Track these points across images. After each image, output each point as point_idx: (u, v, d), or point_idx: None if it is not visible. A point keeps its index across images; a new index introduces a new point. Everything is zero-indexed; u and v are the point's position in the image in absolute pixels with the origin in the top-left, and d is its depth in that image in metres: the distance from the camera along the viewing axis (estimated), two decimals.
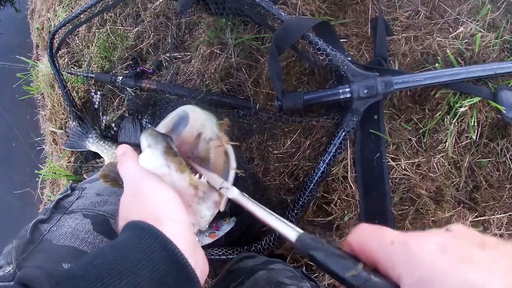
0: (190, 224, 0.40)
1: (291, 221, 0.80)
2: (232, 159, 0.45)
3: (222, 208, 0.45)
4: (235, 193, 0.42)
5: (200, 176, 0.43)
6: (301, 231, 0.34)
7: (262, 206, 0.38)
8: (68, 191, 0.67)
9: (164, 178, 0.41)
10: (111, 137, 1.10)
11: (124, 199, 0.41)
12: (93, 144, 1.03)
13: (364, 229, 0.30)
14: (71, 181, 0.78)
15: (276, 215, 0.37)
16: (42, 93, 1.52)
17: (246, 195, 0.41)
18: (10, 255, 0.52)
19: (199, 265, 0.37)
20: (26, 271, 0.30)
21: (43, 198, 1.47)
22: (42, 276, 0.29)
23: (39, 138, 1.62)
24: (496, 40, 0.82)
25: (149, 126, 0.97)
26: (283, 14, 0.75)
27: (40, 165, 1.46)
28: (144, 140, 0.43)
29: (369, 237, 0.29)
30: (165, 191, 0.40)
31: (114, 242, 0.35)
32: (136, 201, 0.39)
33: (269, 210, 0.38)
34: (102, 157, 1.03)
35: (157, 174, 0.41)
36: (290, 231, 0.34)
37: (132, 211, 0.38)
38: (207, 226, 0.46)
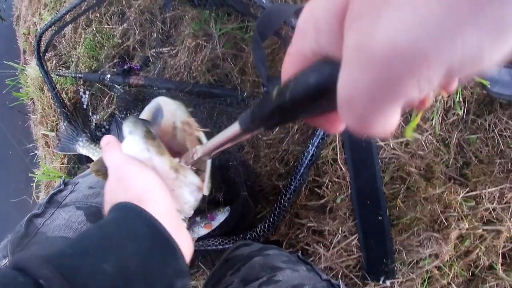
0: (172, 205, 0.41)
1: (284, 206, 0.81)
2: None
3: (206, 192, 0.45)
4: (200, 149, 0.41)
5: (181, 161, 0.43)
6: None
7: (217, 134, 0.36)
8: (61, 186, 0.68)
9: (147, 164, 0.42)
10: (102, 137, 1.10)
11: (108, 185, 0.42)
12: (84, 148, 1.03)
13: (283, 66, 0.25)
14: (63, 177, 0.79)
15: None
16: (32, 98, 1.52)
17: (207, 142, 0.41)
18: (6, 249, 0.54)
19: (184, 245, 0.38)
20: (18, 256, 0.31)
21: (38, 202, 1.47)
22: (32, 256, 0.30)
23: (32, 144, 1.62)
24: None
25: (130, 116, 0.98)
26: (265, 1, 0.75)
27: (34, 170, 1.45)
28: (125, 127, 0.44)
29: (285, 65, 0.25)
30: (147, 174, 0.41)
31: (100, 223, 0.36)
32: (120, 186, 0.41)
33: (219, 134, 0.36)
34: (94, 161, 1.03)
35: (139, 160, 0.42)
36: (235, 125, 0.31)
37: (116, 196, 0.39)
38: (192, 212, 0.46)
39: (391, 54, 0.15)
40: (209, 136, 0.45)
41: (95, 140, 1.03)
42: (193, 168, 0.44)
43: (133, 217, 0.35)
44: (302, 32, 0.21)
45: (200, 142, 0.45)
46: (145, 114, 0.48)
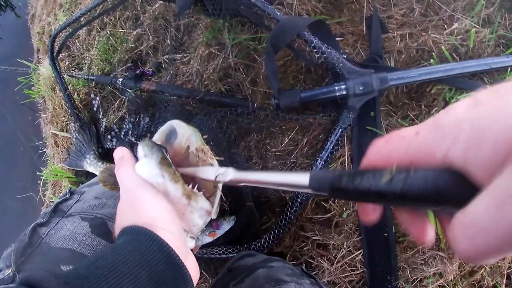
0: (181, 233, 0.42)
1: (289, 218, 0.81)
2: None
3: (214, 216, 0.46)
4: (231, 174, 0.39)
5: (193, 187, 0.44)
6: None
7: (263, 171, 0.35)
8: (67, 195, 0.68)
9: (159, 188, 0.42)
10: (109, 143, 1.11)
11: (120, 207, 0.43)
12: (91, 165, 1.03)
13: (378, 143, 0.25)
14: (70, 186, 0.79)
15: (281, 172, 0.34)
16: (43, 97, 1.54)
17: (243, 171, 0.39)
18: (9, 258, 0.53)
19: (191, 271, 0.38)
20: (31, 272, 0.31)
21: (45, 200, 1.49)
22: (49, 276, 0.30)
23: (40, 142, 1.64)
24: (491, 35, 0.82)
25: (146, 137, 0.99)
26: (279, 14, 0.76)
27: (42, 168, 1.47)
28: (141, 150, 0.45)
29: (388, 145, 0.24)
30: (159, 201, 0.41)
31: (114, 245, 0.37)
32: (131, 210, 0.41)
33: (271, 172, 0.34)
34: None
35: (152, 183, 0.43)
36: (301, 177, 0.29)
37: (127, 219, 0.40)
38: (199, 233, 0.47)
39: None
40: (221, 164, 0.45)
41: (103, 157, 1.03)
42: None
43: (146, 241, 0.36)
44: (445, 132, 0.20)
45: None
46: (159, 135, 0.48)
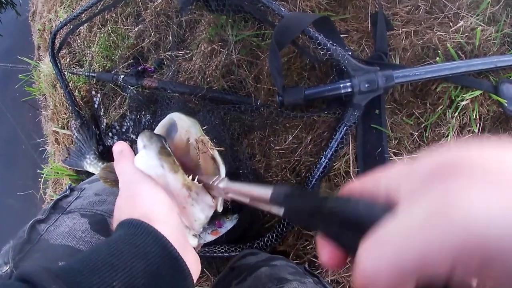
0: (180, 226, 0.41)
1: None
2: (221, 166, 0.45)
3: (219, 208, 0.45)
4: (225, 182, 0.41)
5: (194, 178, 0.43)
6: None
7: (249, 184, 0.38)
8: (67, 192, 0.68)
9: (159, 180, 0.42)
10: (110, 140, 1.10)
11: (118, 201, 0.42)
12: (91, 165, 1.02)
13: (352, 182, 0.27)
14: (70, 183, 0.79)
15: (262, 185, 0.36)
16: (44, 94, 1.53)
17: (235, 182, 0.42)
18: (7, 255, 0.52)
19: (191, 265, 0.37)
20: (24, 268, 0.30)
21: (45, 198, 1.48)
22: (41, 269, 0.30)
23: (41, 139, 1.63)
24: (497, 34, 0.82)
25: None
26: (283, 10, 0.75)
27: (42, 166, 1.46)
28: (140, 141, 0.44)
29: (357, 182, 0.26)
30: (157, 194, 0.40)
31: (109, 239, 0.36)
32: (129, 203, 0.40)
33: (256, 185, 0.36)
34: None
35: (151, 175, 0.42)
36: (267, 190, 0.31)
37: (124, 213, 0.39)
38: (201, 229, 0.46)
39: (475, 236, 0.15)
40: (222, 154, 0.44)
41: (103, 157, 1.02)
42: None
43: (142, 234, 0.35)
44: (392, 173, 0.22)
45: (214, 160, 0.45)
46: (159, 129, 0.48)
